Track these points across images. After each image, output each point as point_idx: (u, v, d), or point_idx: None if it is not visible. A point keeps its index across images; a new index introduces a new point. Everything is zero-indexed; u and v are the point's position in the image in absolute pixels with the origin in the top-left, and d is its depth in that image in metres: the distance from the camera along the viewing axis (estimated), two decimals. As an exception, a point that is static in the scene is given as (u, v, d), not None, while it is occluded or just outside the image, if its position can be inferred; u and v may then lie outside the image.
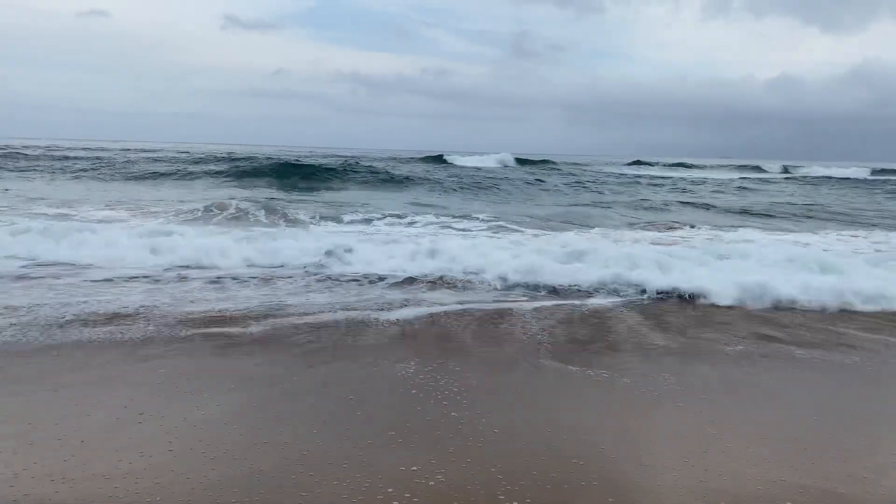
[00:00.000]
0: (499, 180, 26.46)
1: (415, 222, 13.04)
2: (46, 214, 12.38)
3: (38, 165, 26.93)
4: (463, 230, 12.01)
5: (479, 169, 34.97)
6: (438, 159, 42.67)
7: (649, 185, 29.62)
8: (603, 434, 3.49)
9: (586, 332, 5.45)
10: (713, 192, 26.88)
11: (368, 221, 13.13)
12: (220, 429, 3.38)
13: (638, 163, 57.64)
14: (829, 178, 40.39)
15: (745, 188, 29.23)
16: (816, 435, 3.60)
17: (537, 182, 27.38)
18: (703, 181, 34.00)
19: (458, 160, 42.13)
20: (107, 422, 3.44)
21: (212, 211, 13.60)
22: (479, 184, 24.69)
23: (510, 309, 6.09)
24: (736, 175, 43.47)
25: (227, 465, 3.01)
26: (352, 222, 13.02)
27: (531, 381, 4.24)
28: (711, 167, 56.93)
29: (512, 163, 43.97)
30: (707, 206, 19.53)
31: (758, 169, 53.74)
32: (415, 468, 3.02)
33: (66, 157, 31.72)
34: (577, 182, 28.93)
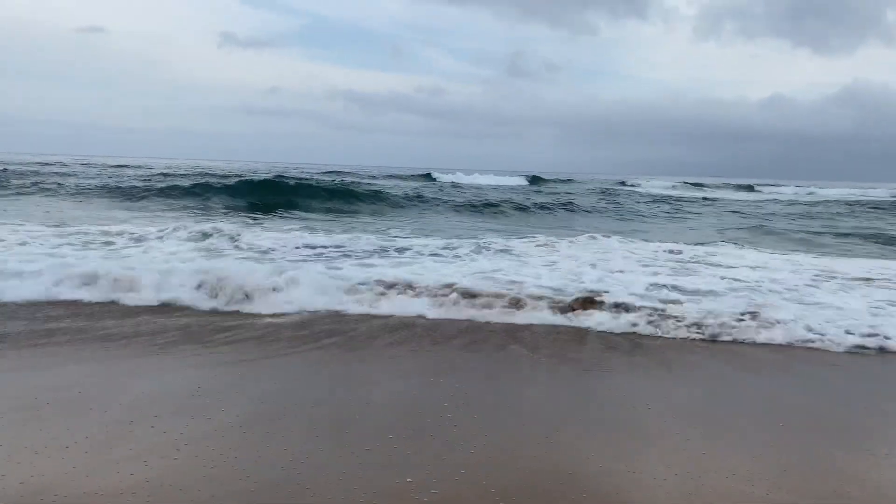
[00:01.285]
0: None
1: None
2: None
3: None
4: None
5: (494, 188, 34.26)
6: (428, 177, 43.02)
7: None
8: (593, 446, 3.52)
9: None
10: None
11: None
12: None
13: (622, 184, 55.28)
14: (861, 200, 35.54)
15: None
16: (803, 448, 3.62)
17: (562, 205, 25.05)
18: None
19: (463, 178, 42.66)
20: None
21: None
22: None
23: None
24: (770, 196, 40.39)
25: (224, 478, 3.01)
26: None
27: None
28: (725, 187, 54.95)
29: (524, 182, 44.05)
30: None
31: (748, 188, 53.17)
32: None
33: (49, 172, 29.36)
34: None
